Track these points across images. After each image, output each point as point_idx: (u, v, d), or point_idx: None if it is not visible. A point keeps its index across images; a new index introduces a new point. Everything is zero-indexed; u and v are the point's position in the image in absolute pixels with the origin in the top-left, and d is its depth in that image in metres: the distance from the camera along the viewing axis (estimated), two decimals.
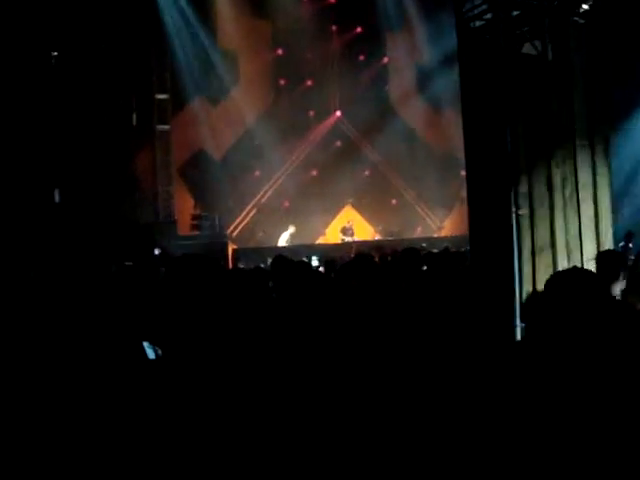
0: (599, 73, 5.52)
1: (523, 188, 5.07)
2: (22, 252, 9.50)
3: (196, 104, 14.62)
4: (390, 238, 14.82)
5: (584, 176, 5.35)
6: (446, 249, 7.84)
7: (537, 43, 5.33)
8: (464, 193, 14.02)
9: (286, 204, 15.28)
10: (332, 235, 15.53)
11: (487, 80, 5.27)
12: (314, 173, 15.67)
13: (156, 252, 7.29)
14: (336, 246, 13.93)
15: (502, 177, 5.07)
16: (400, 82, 16.41)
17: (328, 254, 10.23)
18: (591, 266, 5.11)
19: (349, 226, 15.12)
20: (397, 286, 4.10)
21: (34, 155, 11.48)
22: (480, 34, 5.47)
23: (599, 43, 5.70)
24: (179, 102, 14.41)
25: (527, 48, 5.42)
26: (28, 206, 11.17)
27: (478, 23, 5.38)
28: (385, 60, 16.45)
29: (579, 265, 5.11)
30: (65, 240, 10.98)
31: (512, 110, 5.12)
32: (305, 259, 8.82)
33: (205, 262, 2.86)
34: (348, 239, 14.70)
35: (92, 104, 12.22)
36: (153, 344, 2.89)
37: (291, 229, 14.36)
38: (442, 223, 17.22)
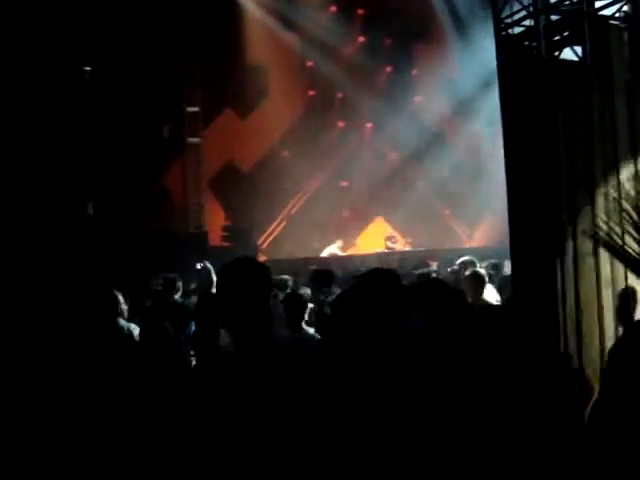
0: None
1: (565, 197, 4.99)
2: (56, 264, 9.60)
3: (226, 117, 14.73)
4: (421, 249, 14.68)
5: (627, 185, 5.24)
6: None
7: (577, 49, 5.25)
8: (495, 204, 13.73)
9: (316, 215, 15.22)
10: (362, 246, 15.43)
11: (527, 87, 5.20)
12: (344, 184, 15.62)
13: (198, 266, 7.19)
14: (379, 256, 13.72)
15: (544, 187, 4.99)
16: (428, 94, 16.26)
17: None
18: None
19: (393, 235, 14.94)
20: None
21: (68, 168, 11.66)
22: (519, 41, 5.41)
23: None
24: (209, 115, 14.54)
25: (566, 54, 5.35)
26: (62, 219, 11.33)
27: (517, 30, 5.33)
28: (414, 72, 16.34)
29: (622, 272, 5.01)
30: (98, 253, 11.09)
31: (553, 118, 5.03)
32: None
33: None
34: (398, 247, 14.49)
35: (124, 117, 12.40)
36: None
37: (338, 243, 14.15)
38: (472, 233, 17.06)
